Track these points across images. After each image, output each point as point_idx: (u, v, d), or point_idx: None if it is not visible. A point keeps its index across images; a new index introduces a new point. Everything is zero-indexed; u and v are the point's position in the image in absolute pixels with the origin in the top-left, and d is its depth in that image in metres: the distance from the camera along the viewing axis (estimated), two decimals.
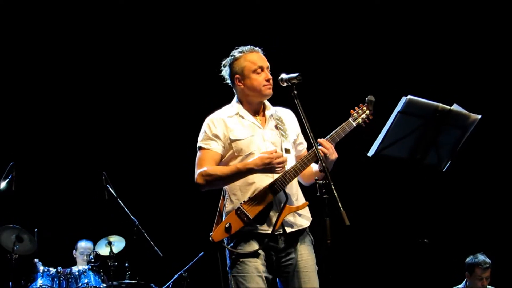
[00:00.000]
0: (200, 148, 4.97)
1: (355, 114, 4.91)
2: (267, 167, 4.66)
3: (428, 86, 8.68)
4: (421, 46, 9.84)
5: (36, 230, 8.83)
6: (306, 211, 4.96)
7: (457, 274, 8.42)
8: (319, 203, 4.39)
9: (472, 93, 9.22)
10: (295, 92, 4.68)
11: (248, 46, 5.04)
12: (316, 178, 4.47)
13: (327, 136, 4.80)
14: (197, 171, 4.90)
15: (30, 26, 9.86)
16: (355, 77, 9.86)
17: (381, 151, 4.46)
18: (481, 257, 7.91)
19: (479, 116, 4.49)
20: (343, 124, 4.88)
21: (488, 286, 8.00)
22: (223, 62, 5.12)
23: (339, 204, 4.15)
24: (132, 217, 8.79)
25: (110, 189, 8.80)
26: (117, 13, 9.92)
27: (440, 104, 4.39)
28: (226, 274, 4.88)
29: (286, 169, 4.76)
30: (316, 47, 9.90)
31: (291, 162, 4.87)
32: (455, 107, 4.44)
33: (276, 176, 4.76)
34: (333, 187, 4.29)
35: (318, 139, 4.73)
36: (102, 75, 10.26)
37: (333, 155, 4.74)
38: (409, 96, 4.29)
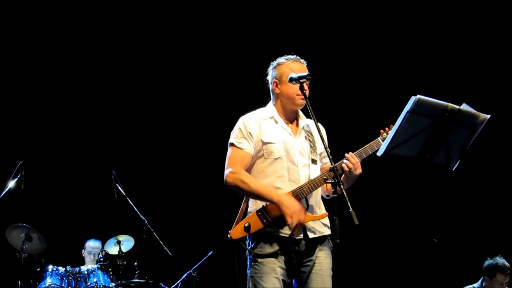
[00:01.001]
0: (233, 145, 5.04)
1: (385, 134, 5.01)
2: (285, 213, 4.71)
3: (438, 86, 8.68)
4: (430, 46, 9.85)
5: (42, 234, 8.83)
6: (326, 220, 5.06)
7: (466, 273, 8.41)
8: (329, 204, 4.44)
9: (481, 92, 9.21)
10: (305, 91, 4.82)
11: (294, 56, 5.17)
12: (327, 194, 4.82)
13: (355, 152, 4.93)
14: (228, 170, 4.97)
15: (39, 25, 9.88)
16: (365, 77, 9.88)
17: (390, 150, 4.45)
18: (501, 262, 7.81)
19: (489, 116, 4.47)
20: (372, 142, 5.01)
21: None
22: (270, 66, 5.25)
23: (349, 203, 4.17)
24: (141, 216, 8.79)
25: (119, 188, 8.80)
26: (128, 11, 9.93)
27: (450, 104, 4.38)
28: (242, 273, 4.96)
29: (311, 179, 4.88)
30: (319, 50, 9.88)
31: (315, 172, 4.99)
32: (464, 106, 4.43)
33: (300, 183, 4.88)
34: (342, 186, 4.32)
35: (345, 154, 4.90)
36: (111, 74, 10.29)
37: (358, 170, 4.89)
38: (418, 96, 4.28)
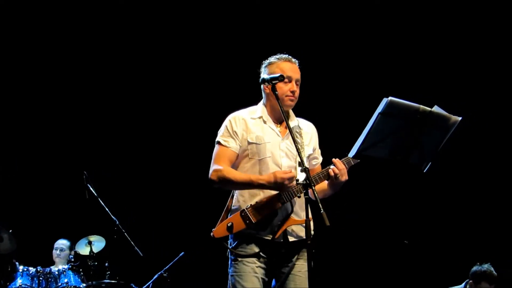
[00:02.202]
0: (219, 143, 5.04)
1: None
2: (278, 186, 4.75)
3: (409, 88, 8.71)
4: (402, 48, 9.87)
5: (10, 231, 8.75)
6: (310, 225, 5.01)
7: (441, 275, 8.45)
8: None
9: (453, 95, 9.26)
10: (277, 92, 4.76)
11: (286, 55, 5.15)
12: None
13: (343, 158, 4.90)
14: (213, 167, 4.98)
15: (21, 22, 9.81)
16: (337, 78, 9.91)
17: (362, 151, 4.45)
18: (489, 270, 7.82)
19: (460, 118, 4.49)
20: None
21: None
22: (262, 64, 5.22)
23: (320, 205, 4.17)
24: (113, 217, 8.76)
25: (91, 188, 8.76)
26: (100, 5, 9.89)
27: (421, 106, 4.38)
28: (224, 271, 5.00)
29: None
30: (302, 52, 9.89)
31: (302, 176, 4.91)
32: (436, 108, 4.44)
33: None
34: (314, 188, 4.34)
35: (333, 159, 4.88)
36: (82, 74, 10.22)
37: (344, 176, 4.87)
38: (390, 98, 4.29)
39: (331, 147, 5.14)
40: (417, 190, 9.21)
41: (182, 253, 9.09)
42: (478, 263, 7.90)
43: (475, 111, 9.03)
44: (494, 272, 7.81)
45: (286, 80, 4.93)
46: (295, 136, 4.97)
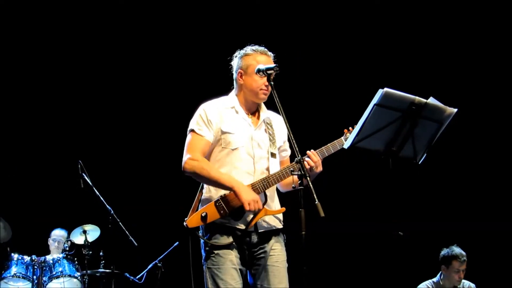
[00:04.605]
0: (193, 131, 5.00)
1: (348, 133, 4.99)
2: (243, 200, 4.74)
3: (405, 79, 8.72)
4: (398, 39, 9.87)
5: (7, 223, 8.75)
6: (279, 215, 5.07)
7: (430, 267, 8.46)
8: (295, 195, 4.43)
9: (448, 86, 9.27)
10: (272, 83, 4.79)
11: (262, 48, 5.13)
12: (293, 186, 4.58)
13: (317, 150, 4.95)
14: (187, 156, 4.94)
15: (16, 18, 9.81)
16: (333, 69, 9.90)
17: (357, 143, 4.46)
18: (457, 250, 7.91)
19: (455, 110, 4.50)
20: (335, 141, 5.02)
21: (463, 280, 8.02)
22: (235, 53, 5.19)
23: (315, 195, 4.17)
24: (108, 206, 8.74)
25: (86, 177, 8.74)
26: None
27: (417, 97, 4.39)
28: (197, 261, 4.98)
29: (271, 173, 4.91)
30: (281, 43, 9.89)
31: (275, 166, 5.00)
32: (432, 100, 4.45)
33: (259, 177, 4.91)
34: (308, 178, 4.33)
35: (307, 151, 4.91)
36: (75, 63, 10.21)
37: (319, 168, 4.93)
38: (385, 89, 4.30)
39: (326, 137, 5.13)
40: (410, 181, 9.21)
41: (177, 242, 9.09)
42: (445, 248, 7.98)
43: (471, 103, 9.06)
44: (462, 251, 7.88)
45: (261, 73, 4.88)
46: (266, 127, 5.06)
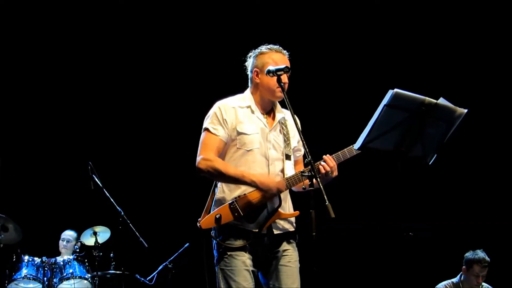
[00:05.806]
0: (207, 130, 4.96)
1: None
2: (265, 190, 4.75)
3: (415, 80, 8.70)
4: (408, 40, 9.86)
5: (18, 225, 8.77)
6: (292, 218, 5.06)
7: (445, 267, 8.44)
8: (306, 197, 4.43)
9: (459, 87, 9.24)
10: (283, 84, 4.78)
11: (277, 46, 5.10)
12: (303, 187, 4.65)
13: (333, 154, 4.90)
14: (201, 156, 4.90)
15: (20, 18, 9.82)
16: (343, 70, 9.90)
17: (367, 144, 4.44)
18: (481, 254, 7.87)
19: (466, 110, 4.48)
20: (351, 146, 4.90)
21: (483, 284, 8.00)
22: (250, 53, 5.16)
23: (325, 197, 4.17)
24: (118, 208, 8.76)
25: (96, 179, 8.77)
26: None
27: (427, 98, 4.37)
28: (210, 262, 4.95)
29: (287, 176, 4.89)
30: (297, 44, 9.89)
31: (290, 168, 4.98)
32: (442, 100, 4.43)
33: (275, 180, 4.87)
34: (319, 179, 4.32)
35: (324, 156, 4.87)
36: (85, 64, 10.23)
37: (334, 173, 4.88)
38: (395, 89, 4.28)
39: (337, 140, 5.12)
40: (421, 182, 9.19)
41: (187, 244, 9.09)
42: (471, 250, 7.96)
43: (480, 103, 9.04)
44: (486, 256, 7.86)
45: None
46: (281, 128, 5.04)
